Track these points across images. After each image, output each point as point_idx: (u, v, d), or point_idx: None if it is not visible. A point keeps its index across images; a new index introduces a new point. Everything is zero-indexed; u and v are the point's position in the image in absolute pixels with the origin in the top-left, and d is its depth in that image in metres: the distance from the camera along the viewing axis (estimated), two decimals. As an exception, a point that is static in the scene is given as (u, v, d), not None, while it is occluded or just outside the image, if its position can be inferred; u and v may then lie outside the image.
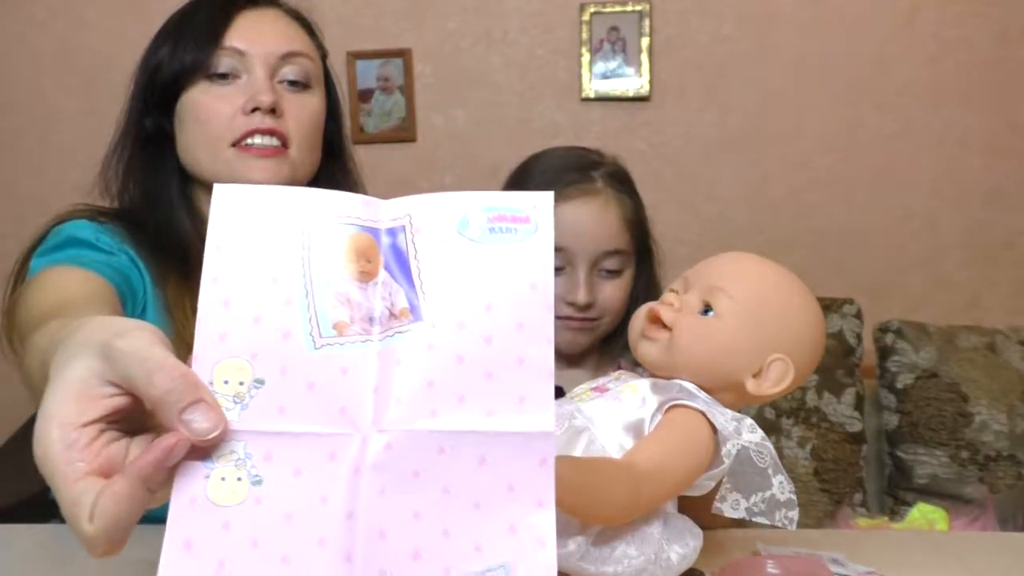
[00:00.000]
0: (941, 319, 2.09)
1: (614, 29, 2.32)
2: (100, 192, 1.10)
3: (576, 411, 0.71)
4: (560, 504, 0.49)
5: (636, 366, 0.79)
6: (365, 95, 2.39)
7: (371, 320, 0.51)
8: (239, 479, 0.47)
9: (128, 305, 0.97)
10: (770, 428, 1.91)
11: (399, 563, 0.47)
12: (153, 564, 0.46)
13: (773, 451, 0.70)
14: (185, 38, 1.04)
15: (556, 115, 2.38)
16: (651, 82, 2.33)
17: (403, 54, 2.37)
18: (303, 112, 1.06)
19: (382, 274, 0.52)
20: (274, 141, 1.03)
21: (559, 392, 0.72)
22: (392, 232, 0.53)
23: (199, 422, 0.46)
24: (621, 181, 1.13)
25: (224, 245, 0.51)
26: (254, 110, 1.01)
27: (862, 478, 1.95)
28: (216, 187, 0.52)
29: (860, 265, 2.34)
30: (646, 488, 0.65)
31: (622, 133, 2.36)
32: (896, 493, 1.97)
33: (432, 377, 0.49)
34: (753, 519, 0.69)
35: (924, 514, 1.66)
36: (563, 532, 0.62)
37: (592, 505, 0.62)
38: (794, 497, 0.70)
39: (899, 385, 1.96)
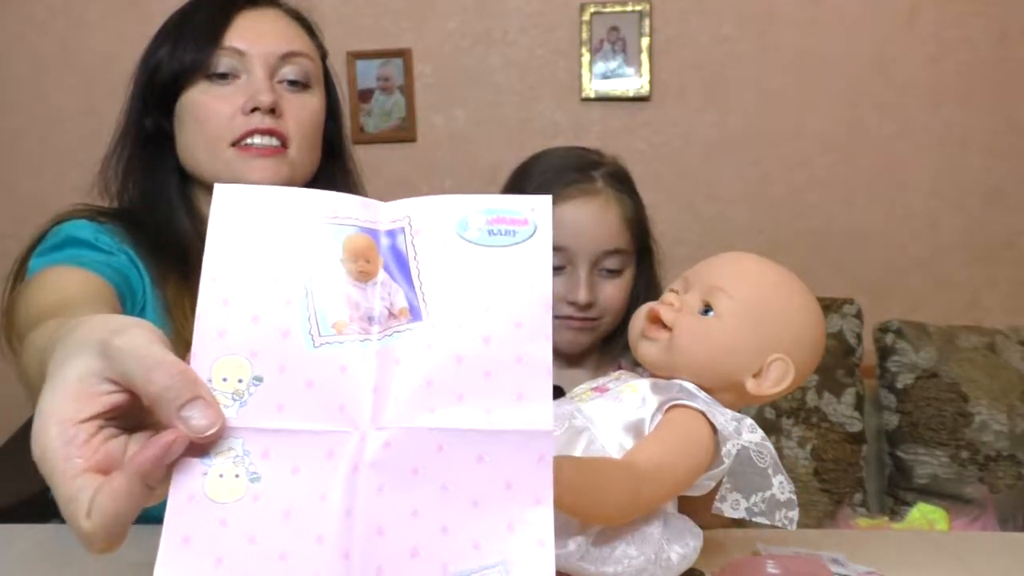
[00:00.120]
0: (941, 319, 2.09)
1: (614, 29, 2.32)
2: (99, 192, 1.10)
3: (576, 411, 0.71)
4: (560, 504, 0.49)
5: (636, 366, 0.79)
6: (365, 95, 2.39)
7: (370, 320, 0.51)
8: (237, 476, 0.47)
9: (127, 305, 0.97)
10: (770, 428, 1.91)
11: (397, 561, 0.47)
12: (153, 565, 0.45)
13: (773, 451, 0.70)
14: (185, 38, 1.04)
15: (556, 115, 2.38)
16: (651, 82, 2.33)
17: (403, 54, 2.37)
18: (303, 112, 1.06)
19: (381, 274, 0.52)
20: (274, 141, 1.03)
21: (559, 392, 0.72)
22: (392, 234, 0.53)
23: (197, 419, 0.46)
24: (621, 181, 1.13)
25: (224, 244, 0.51)
26: (254, 110, 1.01)
27: (862, 478, 1.95)
28: (216, 187, 0.52)
29: (860, 265, 2.34)
30: (646, 488, 0.65)
31: (622, 133, 2.36)
32: (896, 493, 1.97)
33: (431, 376, 0.49)
34: (753, 519, 0.69)
35: (924, 514, 1.66)
36: (563, 532, 0.62)
37: (592, 505, 0.62)
38: (794, 497, 0.70)
39: (899, 385, 1.96)
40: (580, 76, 2.35)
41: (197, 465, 0.47)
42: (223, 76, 1.03)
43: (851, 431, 1.95)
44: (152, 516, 0.48)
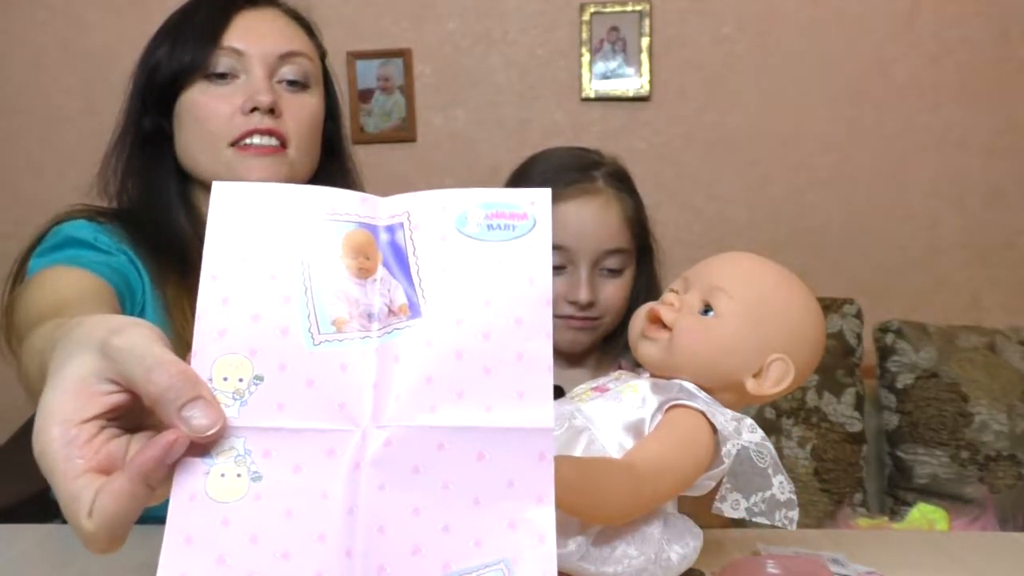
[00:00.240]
0: (941, 319, 2.09)
1: (614, 29, 2.32)
2: (99, 192, 1.10)
3: (576, 411, 0.71)
4: (560, 504, 0.49)
5: (636, 366, 0.79)
6: (365, 95, 2.39)
7: (370, 317, 0.51)
8: (239, 475, 0.47)
9: (127, 305, 0.97)
10: (770, 428, 1.91)
11: (399, 558, 0.47)
12: (154, 566, 0.45)
13: (773, 451, 0.70)
14: (184, 38, 1.04)
15: (556, 115, 2.38)
16: (651, 82, 2.33)
17: (403, 54, 2.37)
18: (302, 112, 1.06)
19: (380, 271, 0.52)
20: (273, 141, 1.03)
21: (559, 392, 0.72)
22: (391, 229, 0.53)
23: (198, 419, 0.46)
24: (621, 180, 1.14)
25: (223, 242, 0.51)
26: (253, 110, 1.01)
27: (862, 478, 1.95)
28: (215, 185, 0.52)
29: (860, 265, 2.34)
30: (646, 488, 0.65)
31: (622, 133, 2.36)
32: (896, 493, 1.97)
33: (431, 373, 0.49)
34: (753, 519, 0.69)
35: (924, 514, 1.66)
36: (563, 532, 0.62)
37: (592, 505, 0.62)
38: (794, 497, 0.70)
39: (899, 385, 1.96)
40: (580, 76, 2.35)
41: (199, 465, 0.47)
42: (222, 76, 1.03)
43: (851, 431, 1.95)
44: (154, 516, 0.48)
